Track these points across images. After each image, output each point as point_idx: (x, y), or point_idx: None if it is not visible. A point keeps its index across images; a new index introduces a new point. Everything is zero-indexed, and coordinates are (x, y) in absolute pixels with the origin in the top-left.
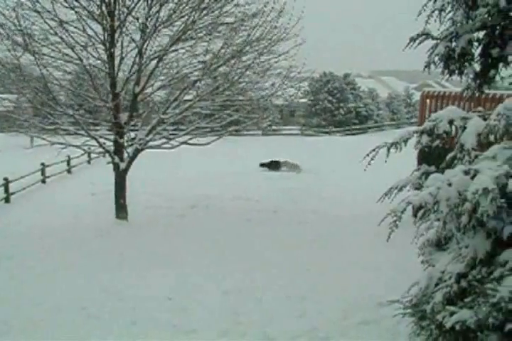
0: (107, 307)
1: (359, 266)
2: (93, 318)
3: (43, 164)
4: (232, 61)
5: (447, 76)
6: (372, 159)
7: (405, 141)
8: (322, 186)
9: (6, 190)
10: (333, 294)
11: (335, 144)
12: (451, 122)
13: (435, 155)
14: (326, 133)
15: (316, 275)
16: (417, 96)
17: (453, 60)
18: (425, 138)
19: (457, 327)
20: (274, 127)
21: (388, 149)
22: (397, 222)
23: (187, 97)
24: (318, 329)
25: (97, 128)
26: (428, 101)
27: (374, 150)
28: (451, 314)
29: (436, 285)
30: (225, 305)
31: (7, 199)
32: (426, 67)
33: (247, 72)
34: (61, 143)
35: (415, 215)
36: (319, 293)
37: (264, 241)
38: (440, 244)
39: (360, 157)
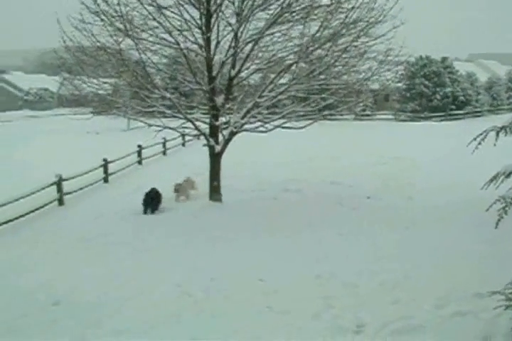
0: (200, 285)
1: (455, 254)
2: (186, 295)
3: (139, 146)
4: (328, 44)
5: None
6: (479, 143)
7: None
8: (418, 173)
9: (105, 171)
10: (428, 282)
11: (431, 130)
12: None
13: None
14: (421, 118)
15: (410, 263)
16: None
17: None
18: None
19: None
20: (367, 112)
21: (497, 133)
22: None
23: (282, 81)
24: (411, 317)
25: (192, 111)
26: None
27: (482, 134)
28: None
29: None
30: (318, 288)
31: (106, 180)
32: None
33: (343, 56)
34: (158, 126)
35: None
36: (413, 281)
37: (356, 226)
38: None
39: (459, 143)
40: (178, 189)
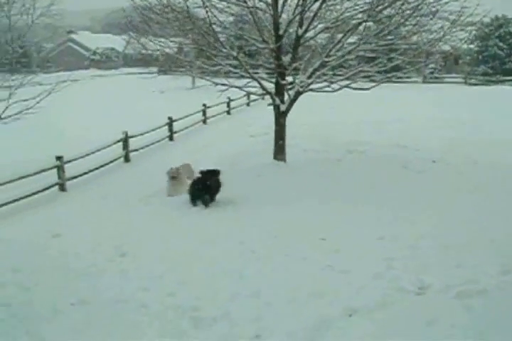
0: (262, 242)
1: None
2: (249, 252)
3: (204, 105)
4: (399, 2)
5: None
6: None
7: None
8: (485, 137)
9: (170, 129)
10: (493, 248)
11: (503, 95)
12: None
13: None
14: (493, 82)
15: (476, 227)
16: None
17: None
18: None
19: None
20: (435, 74)
21: None
22: None
23: (350, 40)
24: (474, 281)
25: (258, 71)
26: None
27: None
28: None
29: None
30: (379, 250)
31: (171, 138)
32: None
33: (414, 14)
34: (223, 84)
35: None
36: (478, 245)
37: (421, 189)
38: None
39: None
40: (176, 176)
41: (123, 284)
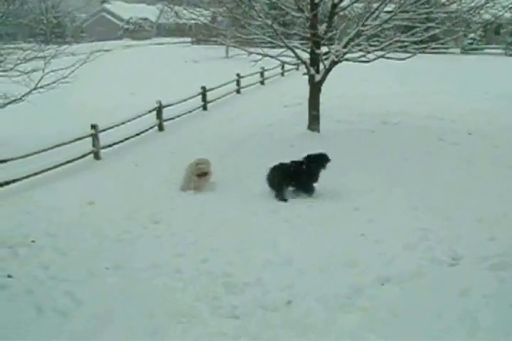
0: (296, 212)
1: None
2: (282, 221)
3: (238, 75)
4: None
5: None
6: None
7: None
8: None
9: (204, 99)
10: None
11: None
12: None
13: None
14: None
15: (510, 200)
16: None
17: None
18: None
19: None
20: (475, 45)
21: None
22: None
23: (386, 9)
24: (508, 254)
25: (292, 40)
26: None
27: None
28: None
29: None
30: (413, 221)
31: (205, 107)
32: None
33: None
34: (258, 53)
35: None
36: None
37: (456, 161)
38: None
39: None
40: (208, 172)
41: (157, 250)
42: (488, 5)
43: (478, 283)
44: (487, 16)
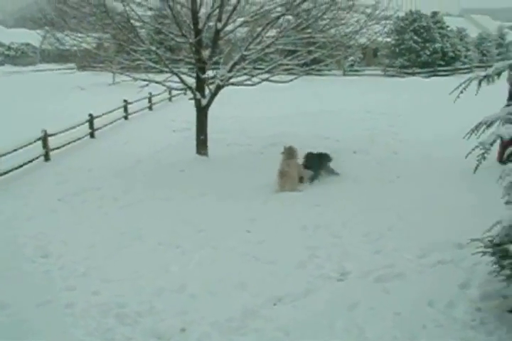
0: (187, 237)
1: (439, 207)
2: (173, 247)
3: (125, 101)
4: None
5: None
6: (462, 92)
7: (499, 74)
8: (402, 128)
9: (91, 126)
10: (411, 234)
11: (418, 86)
12: None
13: None
14: (410, 74)
15: (395, 215)
16: (511, 36)
17: None
18: None
19: None
20: (355, 67)
21: (480, 82)
22: (485, 155)
23: (269, 34)
24: (394, 266)
25: (178, 65)
26: None
27: (465, 82)
28: None
29: None
30: (303, 239)
31: (92, 135)
32: None
33: (331, 8)
34: (144, 80)
35: (500, 160)
36: (397, 232)
37: (344, 179)
38: None
39: (445, 99)
40: (287, 171)
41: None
42: (362, 30)
43: (365, 295)
44: (363, 40)
